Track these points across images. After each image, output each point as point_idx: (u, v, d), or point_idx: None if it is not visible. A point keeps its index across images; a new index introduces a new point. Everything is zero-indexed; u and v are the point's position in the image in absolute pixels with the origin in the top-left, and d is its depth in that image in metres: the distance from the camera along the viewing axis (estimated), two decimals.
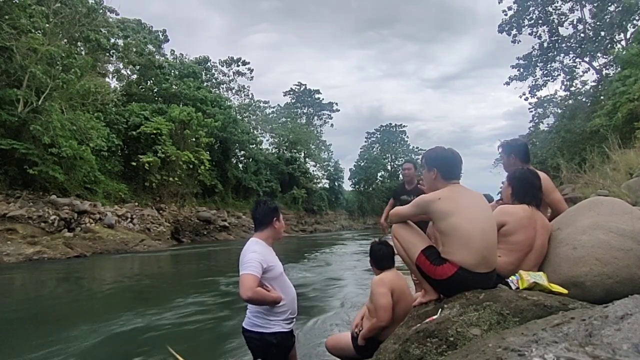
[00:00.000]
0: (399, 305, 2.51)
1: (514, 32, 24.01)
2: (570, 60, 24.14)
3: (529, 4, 23.30)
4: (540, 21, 23.66)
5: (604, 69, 22.23)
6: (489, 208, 2.16)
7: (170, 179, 22.44)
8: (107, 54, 23.35)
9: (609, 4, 20.89)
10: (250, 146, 33.57)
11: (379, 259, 2.72)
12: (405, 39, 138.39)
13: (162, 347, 3.96)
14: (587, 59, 23.16)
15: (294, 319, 2.48)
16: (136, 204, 20.52)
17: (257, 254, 2.28)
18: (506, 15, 23.90)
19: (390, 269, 2.69)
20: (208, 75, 35.62)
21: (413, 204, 2.15)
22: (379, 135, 60.34)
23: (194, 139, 24.27)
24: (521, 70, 24.84)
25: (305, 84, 53.44)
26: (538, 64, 24.66)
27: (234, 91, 38.47)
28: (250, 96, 39.78)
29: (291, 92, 53.38)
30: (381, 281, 2.58)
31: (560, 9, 23.30)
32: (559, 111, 24.41)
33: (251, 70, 38.43)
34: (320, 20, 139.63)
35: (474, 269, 1.93)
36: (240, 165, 33.36)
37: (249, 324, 2.39)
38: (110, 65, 25.76)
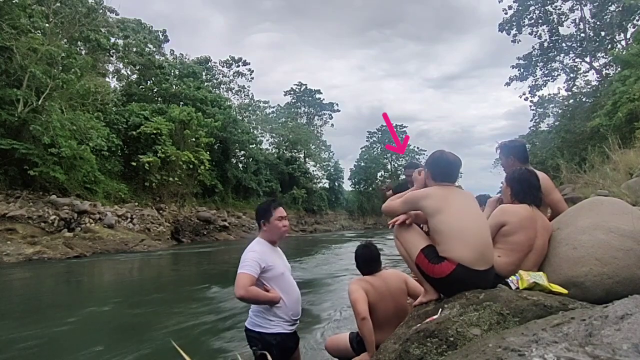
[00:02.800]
0: (378, 307, 2.48)
1: (514, 31, 24.01)
2: (570, 60, 24.16)
3: (529, 3, 23.29)
4: (540, 21, 23.65)
5: (604, 69, 22.24)
6: (479, 208, 2.17)
7: (170, 179, 22.45)
8: (107, 54, 23.37)
9: (609, 3, 20.89)
10: (250, 146, 33.59)
11: (361, 264, 2.69)
12: (408, 39, 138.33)
13: (167, 341, 3.98)
14: (587, 59, 23.17)
15: (297, 321, 2.47)
16: (136, 204, 20.53)
17: (255, 254, 2.30)
18: (506, 14, 23.93)
19: (374, 273, 2.63)
20: (209, 76, 35.64)
21: (403, 200, 2.18)
22: (379, 135, 60.32)
23: (194, 139, 24.28)
24: (521, 70, 24.84)
25: (306, 84, 53.52)
26: (538, 64, 24.66)
27: (234, 91, 38.56)
28: (250, 96, 39.88)
29: (292, 92, 53.39)
30: (355, 282, 2.59)
31: (560, 9, 23.32)
32: (559, 111, 24.41)
33: (251, 72, 38.58)
34: (323, 20, 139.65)
35: (472, 265, 1.93)
36: (240, 165, 33.38)
37: (250, 323, 2.40)
38: (110, 65, 25.79)
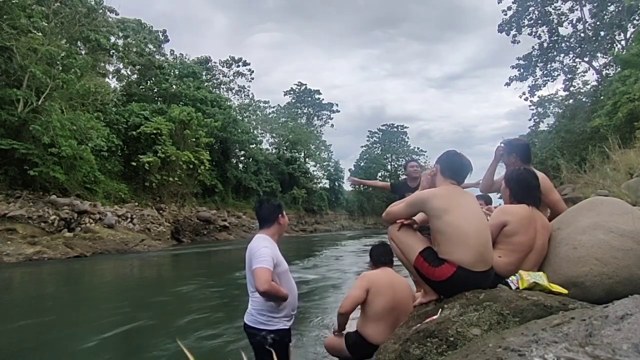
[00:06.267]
0: (375, 302, 2.60)
1: (513, 32, 24.02)
2: (570, 60, 24.16)
3: (528, 4, 23.29)
4: (539, 21, 23.65)
5: (604, 69, 22.23)
6: (480, 209, 2.16)
7: (170, 179, 22.45)
8: (107, 54, 23.36)
9: (609, 4, 20.89)
10: (250, 146, 33.58)
11: (374, 256, 2.85)
12: (411, 38, 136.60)
13: (169, 341, 4.00)
14: (587, 59, 23.17)
15: (294, 316, 2.54)
16: (136, 204, 20.53)
17: (268, 249, 2.32)
18: (506, 15, 23.93)
19: (385, 266, 2.77)
20: (209, 76, 35.64)
21: (407, 203, 2.15)
22: (380, 135, 60.38)
23: (194, 139, 24.28)
24: (521, 70, 24.84)
25: (306, 84, 53.57)
26: (538, 64, 24.64)
27: (234, 91, 38.57)
28: (250, 96, 39.90)
29: (292, 92, 53.46)
30: (362, 276, 2.77)
31: (559, 9, 23.32)
32: (559, 111, 24.42)
33: (251, 72, 38.60)
34: (326, 20, 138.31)
35: (472, 267, 1.93)
36: (240, 165, 33.37)
37: (251, 320, 2.43)
38: (110, 65, 25.78)
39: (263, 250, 2.30)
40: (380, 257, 2.78)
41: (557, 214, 2.50)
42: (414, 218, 2.21)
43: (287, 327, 2.43)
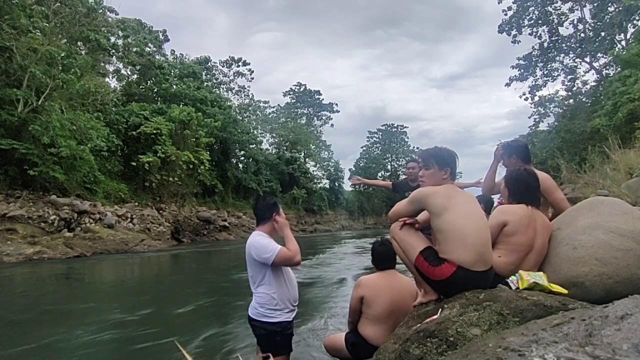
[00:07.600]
0: (373, 306, 2.63)
1: (513, 32, 24.03)
2: (570, 60, 24.17)
3: (528, 4, 23.31)
4: (540, 21, 23.66)
5: (604, 69, 22.24)
6: (480, 209, 2.16)
7: (170, 179, 22.45)
8: (107, 54, 23.36)
9: (609, 4, 20.90)
10: (250, 146, 33.59)
11: (376, 260, 2.80)
12: (412, 38, 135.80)
13: (169, 341, 4.02)
14: (587, 59, 23.18)
15: (296, 307, 2.62)
16: (136, 204, 20.52)
17: (265, 239, 2.48)
18: (506, 15, 23.93)
19: (388, 269, 2.75)
20: (209, 76, 35.65)
21: (409, 200, 2.15)
22: (380, 135, 60.44)
23: (194, 139, 24.28)
24: (521, 70, 24.84)
25: (305, 84, 53.69)
26: (538, 64, 24.66)
27: (234, 91, 38.60)
28: (250, 96, 39.93)
29: (291, 92, 53.51)
30: (356, 285, 2.77)
31: (560, 9, 23.32)
32: (560, 111, 24.42)
33: (251, 72, 38.64)
34: (327, 19, 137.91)
35: (472, 267, 1.93)
36: (240, 165, 33.38)
37: (254, 313, 2.52)
38: (110, 65, 25.77)
39: (262, 242, 2.44)
40: (381, 262, 2.76)
41: (560, 213, 2.51)
42: (417, 218, 2.21)
43: (289, 320, 2.52)
